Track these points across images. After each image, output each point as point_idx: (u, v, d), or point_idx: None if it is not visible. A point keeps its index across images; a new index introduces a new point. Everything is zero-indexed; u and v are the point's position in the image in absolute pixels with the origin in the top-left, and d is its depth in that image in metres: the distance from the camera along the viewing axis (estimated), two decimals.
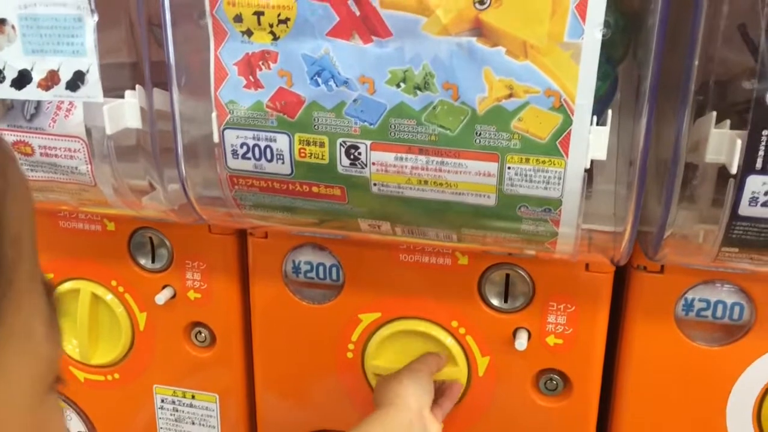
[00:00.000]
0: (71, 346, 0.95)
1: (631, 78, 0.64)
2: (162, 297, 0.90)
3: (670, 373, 0.76)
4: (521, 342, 0.77)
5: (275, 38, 0.60)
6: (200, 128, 0.68)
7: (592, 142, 0.57)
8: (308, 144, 0.63)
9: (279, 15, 0.59)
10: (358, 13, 0.57)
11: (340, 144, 0.62)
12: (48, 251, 0.93)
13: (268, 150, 0.64)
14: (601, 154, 0.58)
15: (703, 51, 0.54)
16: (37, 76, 0.67)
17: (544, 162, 0.58)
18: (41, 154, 0.71)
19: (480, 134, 0.58)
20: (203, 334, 0.93)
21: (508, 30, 0.55)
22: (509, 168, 0.59)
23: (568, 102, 0.55)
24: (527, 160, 0.58)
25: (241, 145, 0.65)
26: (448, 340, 0.81)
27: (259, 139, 0.64)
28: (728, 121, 0.56)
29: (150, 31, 0.66)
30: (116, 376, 0.98)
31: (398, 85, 0.59)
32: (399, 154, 0.61)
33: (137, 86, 0.69)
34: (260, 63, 0.62)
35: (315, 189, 0.65)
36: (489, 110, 0.57)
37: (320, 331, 0.86)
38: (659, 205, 0.60)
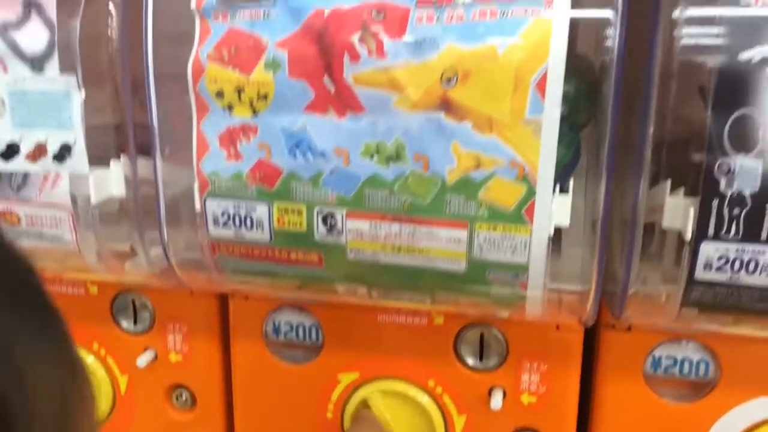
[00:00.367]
0: None
1: (595, 141, 0.66)
2: (143, 359, 0.90)
3: (641, 430, 0.77)
4: (497, 401, 0.79)
5: (255, 112, 0.63)
6: (183, 191, 0.70)
7: (555, 210, 0.60)
8: (286, 212, 0.65)
9: (258, 91, 0.63)
10: (333, 90, 0.61)
11: (317, 212, 0.64)
12: None
13: (248, 219, 0.66)
14: (564, 221, 0.60)
15: (659, 117, 0.57)
16: (24, 148, 0.70)
17: (510, 229, 0.61)
18: (27, 223, 0.73)
19: (450, 203, 0.61)
20: (184, 396, 0.93)
21: (474, 106, 0.58)
22: (478, 235, 0.62)
23: (531, 173, 0.58)
24: (495, 228, 0.61)
25: (222, 214, 0.67)
26: (425, 399, 0.83)
27: (239, 208, 0.67)
28: (682, 189, 0.59)
29: (134, 93, 0.68)
30: None
31: (372, 157, 0.62)
32: (373, 222, 0.64)
33: (122, 156, 0.71)
34: (241, 136, 0.64)
35: (293, 255, 0.68)
36: (458, 181, 0.60)
37: (300, 392, 0.87)
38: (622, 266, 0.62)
